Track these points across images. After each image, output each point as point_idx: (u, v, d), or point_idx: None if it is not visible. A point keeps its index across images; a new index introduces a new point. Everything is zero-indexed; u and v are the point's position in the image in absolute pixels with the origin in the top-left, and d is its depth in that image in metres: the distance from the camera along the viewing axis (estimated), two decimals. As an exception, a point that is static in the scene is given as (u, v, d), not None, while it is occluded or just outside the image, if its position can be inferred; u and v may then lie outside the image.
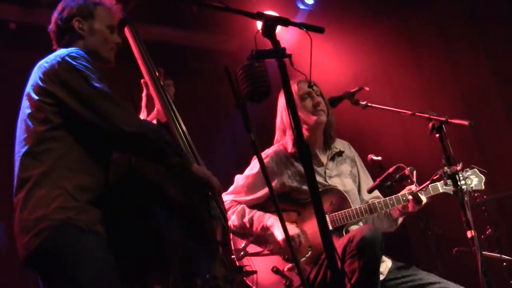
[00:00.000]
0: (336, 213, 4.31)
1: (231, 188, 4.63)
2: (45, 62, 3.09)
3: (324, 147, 4.69)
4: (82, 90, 2.97)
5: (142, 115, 3.57)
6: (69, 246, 2.86)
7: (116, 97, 3.03)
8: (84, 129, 3.00)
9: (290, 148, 4.57)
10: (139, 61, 3.44)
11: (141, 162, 3.03)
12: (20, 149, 3.02)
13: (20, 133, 3.06)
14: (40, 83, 3.02)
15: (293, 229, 4.29)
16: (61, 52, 3.10)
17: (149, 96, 3.57)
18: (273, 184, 4.42)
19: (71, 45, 3.24)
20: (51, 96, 2.99)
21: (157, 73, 3.50)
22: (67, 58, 3.03)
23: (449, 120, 3.70)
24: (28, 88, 3.09)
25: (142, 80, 3.54)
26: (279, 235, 4.26)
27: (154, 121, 3.33)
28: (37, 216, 2.85)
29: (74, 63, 3.01)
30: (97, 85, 2.99)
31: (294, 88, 4.54)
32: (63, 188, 2.90)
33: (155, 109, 3.50)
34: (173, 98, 3.57)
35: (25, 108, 3.06)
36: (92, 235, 2.90)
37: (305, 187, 4.40)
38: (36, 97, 3.01)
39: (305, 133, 4.50)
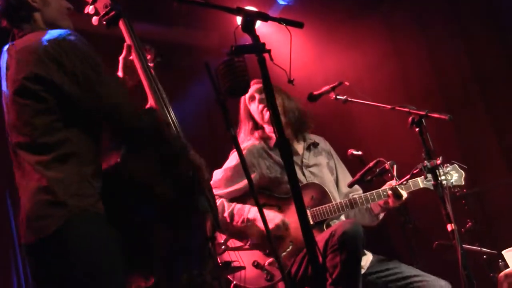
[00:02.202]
0: (316, 208, 4.32)
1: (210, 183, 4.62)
2: (40, 45, 2.90)
3: (296, 138, 4.73)
4: (90, 76, 2.88)
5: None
6: (90, 232, 2.81)
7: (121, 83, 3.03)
8: (87, 117, 2.93)
9: (260, 136, 4.71)
10: (133, 55, 3.41)
11: (127, 159, 3.00)
12: (23, 140, 2.91)
13: (19, 123, 2.93)
14: (36, 69, 2.86)
15: (276, 217, 4.30)
16: (55, 33, 2.94)
17: (126, 60, 3.45)
18: (252, 176, 4.41)
19: (29, 21, 3.09)
20: (51, 84, 2.86)
21: (152, 66, 3.45)
22: (66, 39, 2.91)
23: (429, 114, 3.73)
24: (17, 74, 2.91)
25: (125, 44, 3.48)
26: (263, 229, 4.26)
27: None
28: (55, 201, 2.78)
29: (76, 46, 2.91)
30: (101, 71, 2.93)
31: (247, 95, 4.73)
32: (83, 174, 2.85)
33: (148, 103, 3.44)
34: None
35: (17, 96, 2.91)
36: (107, 222, 2.87)
37: (284, 178, 4.43)
38: (32, 86, 2.86)
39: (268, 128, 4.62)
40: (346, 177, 4.64)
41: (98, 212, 2.85)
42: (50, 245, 2.78)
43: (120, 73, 3.45)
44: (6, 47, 3.11)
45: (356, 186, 4.51)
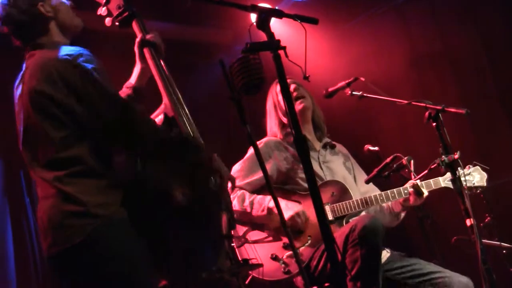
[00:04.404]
0: (337, 204, 4.32)
1: None
2: (51, 62, 2.92)
3: (316, 135, 4.80)
4: (95, 96, 2.89)
5: (136, 69, 3.46)
6: (118, 238, 2.84)
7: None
8: (100, 133, 2.93)
9: (279, 135, 4.71)
10: (147, 55, 3.41)
11: (146, 165, 3.00)
12: (37, 155, 2.93)
13: (32, 138, 2.96)
14: (45, 86, 2.87)
15: (296, 206, 4.30)
16: (67, 50, 2.95)
17: (141, 50, 3.44)
18: (269, 166, 4.50)
19: (44, 34, 3.10)
20: (59, 102, 2.87)
21: (163, 65, 3.44)
22: (77, 59, 2.91)
23: (446, 109, 3.72)
24: (29, 91, 2.92)
25: (139, 37, 3.46)
26: (285, 214, 4.25)
27: (161, 116, 3.28)
28: (81, 211, 2.79)
29: (90, 67, 2.90)
30: (115, 94, 2.97)
31: (277, 88, 4.75)
32: (99, 186, 2.87)
33: (163, 103, 3.44)
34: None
35: (31, 111, 2.92)
36: (131, 227, 2.89)
37: (301, 167, 4.43)
38: (44, 102, 2.87)
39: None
40: (363, 178, 4.63)
41: (123, 218, 2.87)
42: (78, 253, 2.79)
43: (137, 63, 3.46)
44: (25, 63, 3.12)
45: (373, 187, 4.50)
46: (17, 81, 3.11)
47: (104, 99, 2.90)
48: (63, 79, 2.87)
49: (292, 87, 4.66)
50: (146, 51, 3.40)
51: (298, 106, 4.63)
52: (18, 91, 3.08)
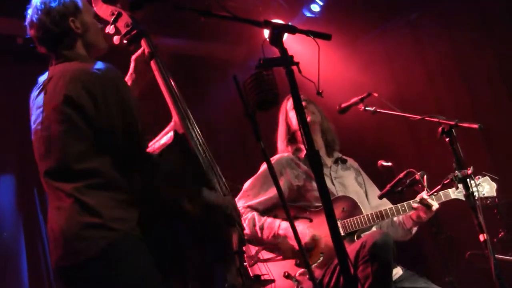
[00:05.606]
0: (348, 219, 4.32)
1: (240, 194, 4.65)
2: (78, 74, 2.95)
3: (326, 150, 4.80)
4: (124, 118, 2.92)
5: (128, 81, 3.44)
6: (134, 255, 2.83)
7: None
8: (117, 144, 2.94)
9: (290, 151, 4.74)
10: (156, 73, 3.42)
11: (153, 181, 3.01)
12: (55, 166, 2.92)
13: (51, 148, 2.94)
14: (71, 96, 2.89)
15: (306, 233, 4.30)
16: (93, 65, 2.98)
17: (138, 61, 3.47)
18: (281, 183, 4.46)
19: (70, 48, 3.13)
20: (83, 112, 2.88)
21: (172, 82, 3.44)
22: (103, 73, 2.94)
23: (459, 124, 3.71)
24: (55, 100, 2.93)
25: (142, 48, 3.47)
26: (294, 244, 4.24)
27: (171, 133, 3.28)
28: (99, 223, 2.78)
29: (117, 85, 2.95)
30: (134, 112, 2.97)
31: (288, 104, 4.82)
32: (118, 200, 2.86)
33: (172, 120, 3.45)
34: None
35: (53, 121, 2.93)
36: (146, 245, 2.89)
37: (313, 184, 4.46)
38: (67, 111, 2.89)
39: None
40: (375, 192, 4.64)
41: (139, 235, 2.86)
42: (90, 267, 2.77)
43: (131, 74, 3.47)
44: (44, 74, 3.15)
45: (386, 201, 4.50)
46: (36, 91, 3.12)
47: (121, 108, 2.92)
48: (88, 90, 2.88)
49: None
50: (153, 63, 3.41)
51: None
52: (36, 101, 3.08)
